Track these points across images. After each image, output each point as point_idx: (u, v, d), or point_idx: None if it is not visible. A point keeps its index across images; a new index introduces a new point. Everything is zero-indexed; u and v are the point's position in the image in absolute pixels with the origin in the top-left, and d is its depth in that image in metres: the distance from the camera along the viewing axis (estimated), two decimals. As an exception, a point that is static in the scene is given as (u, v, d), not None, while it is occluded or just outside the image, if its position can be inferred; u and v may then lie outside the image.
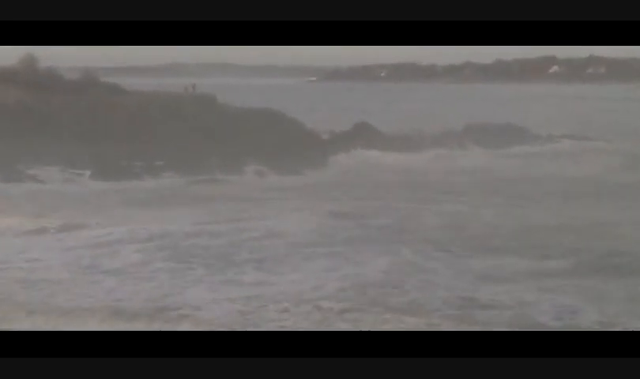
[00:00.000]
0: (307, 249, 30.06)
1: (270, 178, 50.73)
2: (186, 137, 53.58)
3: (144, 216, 37.55)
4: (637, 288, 24.74)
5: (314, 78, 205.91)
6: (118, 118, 54.17)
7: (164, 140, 52.67)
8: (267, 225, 34.47)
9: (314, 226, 33.91)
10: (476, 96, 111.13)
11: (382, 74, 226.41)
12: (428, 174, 49.60)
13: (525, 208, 38.22)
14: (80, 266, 27.83)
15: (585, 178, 47.50)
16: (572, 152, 61.15)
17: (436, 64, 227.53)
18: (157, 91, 56.93)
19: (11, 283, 25.14)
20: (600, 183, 45.63)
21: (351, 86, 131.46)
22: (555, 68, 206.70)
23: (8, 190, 43.75)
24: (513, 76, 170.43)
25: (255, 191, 45.52)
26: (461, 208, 38.33)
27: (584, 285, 25.06)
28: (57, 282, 25.53)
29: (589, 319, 21.79)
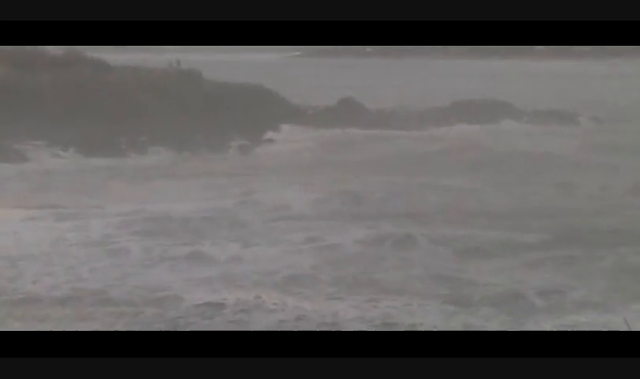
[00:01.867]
0: (287, 222, 30.43)
1: (255, 153, 50.71)
2: (172, 113, 53.48)
3: (130, 193, 37.59)
4: (624, 259, 25.06)
5: (298, 53, 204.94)
6: (104, 94, 54.00)
7: (150, 117, 52.57)
8: (252, 199, 34.81)
9: (298, 200, 34.17)
10: (461, 72, 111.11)
11: (368, 50, 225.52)
12: (414, 150, 49.65)
13: (511, 184, 38.39)
14: (50, 242, 27.82)
15: (568, 154, 47.64)
16: (556, 128, 61.31)
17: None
18: (142, 66, 56.64)
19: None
20: (583, 159, 45.77)
21: (336, 62, 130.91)
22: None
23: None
24: (499, 53, 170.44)
25: (240, 166, 45.56)
26: (448, 184, 38.47)
27: (570, 260, 25.32)
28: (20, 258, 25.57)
29: (579, 294, 22.12)
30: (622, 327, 17.01)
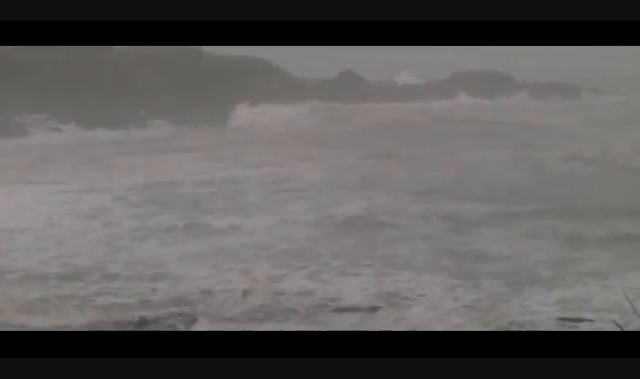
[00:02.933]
0: (288, 193, 30.60)
1: (255, 125, 50.67)
2: (171, 87, 53.44)
3: (130, 166, 37.63)
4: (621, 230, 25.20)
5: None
6: (101, 68, 53.95)
7: (149, 91, 52.52)
8: (252, 171, 34.98)
9: (294, 171, 34.40)
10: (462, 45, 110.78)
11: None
12: (414, 122, 49.63)
13: (508, 157, 38.43)
14: (49, 215, 27.87)
15: (568, 127, 47.66)
16: (555, 102, 61.35)
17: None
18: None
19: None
20: (580, 132, 45.79)
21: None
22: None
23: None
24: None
25: (240, 139, 45.56)
26: (449, 156, 38.49)
27: (572, 231, 25.40)
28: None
29: (581, 264, 22.23)
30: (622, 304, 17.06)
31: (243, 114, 52.52)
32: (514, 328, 18.01)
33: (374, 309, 19.50)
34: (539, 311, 19.23)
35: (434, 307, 19.30)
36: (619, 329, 15.53)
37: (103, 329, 17.80)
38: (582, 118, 51.39)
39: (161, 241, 24.93)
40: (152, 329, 17.97)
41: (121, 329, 18.14)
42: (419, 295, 20.01)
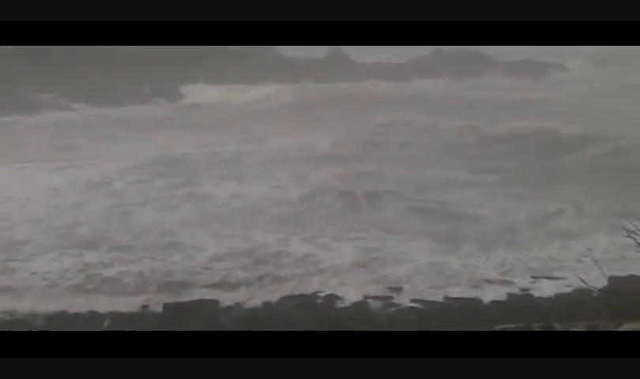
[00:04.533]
0: (280, 163, 30.77)
1: (251, 103, 50.61)
2: (172, 66, 53.36)
3: (135, 140, 37.71)
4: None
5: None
6: (105, 48, 53.71)
7: (151, 69, 52.42)
8: (250, 146, 35.17)
9: (288, 143, 34.62)
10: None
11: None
12: (397, 98, 49.59)
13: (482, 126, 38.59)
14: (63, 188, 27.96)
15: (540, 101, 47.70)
16: (528, 78, 61.41)
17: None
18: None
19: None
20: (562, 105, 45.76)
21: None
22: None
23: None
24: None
25: (238, 115, 45.58)
26: (431, 123, 38.64)
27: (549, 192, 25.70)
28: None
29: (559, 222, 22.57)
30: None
31: (239, 92, 52.42)
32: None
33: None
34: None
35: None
36: (585, 286, 15.67)
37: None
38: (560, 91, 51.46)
39: (170, 206, 25.28)
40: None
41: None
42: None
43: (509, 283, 18.77)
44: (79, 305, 17.71)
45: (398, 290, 18.31)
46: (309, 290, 18.33)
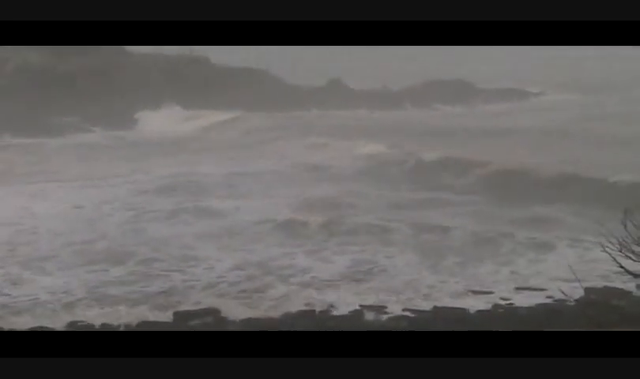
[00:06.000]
0: (277, 177, 32.11)
1: (255, 125, 50.54)
2: (184, 93, 53.48)
3: (152, 161, 37.86)
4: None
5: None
6: (124, 76, 54.00)
7: (165, 97, 52.58)
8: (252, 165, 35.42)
9: (285, 163, 34.88)
10: (430, 55, 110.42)
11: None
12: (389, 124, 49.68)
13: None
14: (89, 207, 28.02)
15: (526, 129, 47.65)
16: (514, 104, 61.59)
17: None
18: (158, 53, 56.46)
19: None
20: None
21: (328, 47, 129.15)
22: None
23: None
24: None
25: (246, 138, 45.63)
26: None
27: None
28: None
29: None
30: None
31: (246, 117, 52.53)
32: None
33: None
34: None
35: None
36: (565, 297, 15.62)
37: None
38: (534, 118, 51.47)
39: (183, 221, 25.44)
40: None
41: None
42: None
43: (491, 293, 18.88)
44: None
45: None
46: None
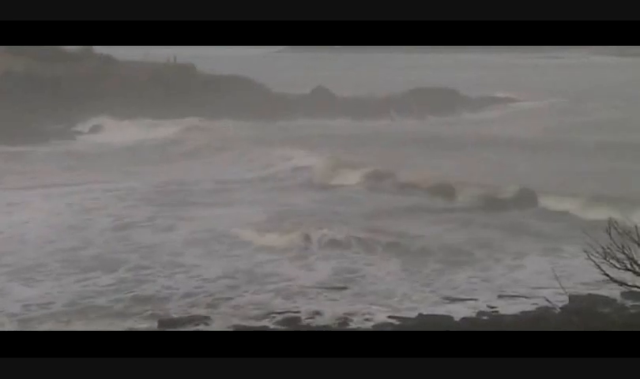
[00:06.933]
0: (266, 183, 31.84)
1: (240, 133, 50.36)
2: (169, 100, 53.30)
3: (139, 167, 37.61)
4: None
5: (277, 50, 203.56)
6: (111, 83, 53.78)
7: (150, 103, 52.33)
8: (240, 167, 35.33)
9: (271, 169, 34.99)
10: (416, 64, 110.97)
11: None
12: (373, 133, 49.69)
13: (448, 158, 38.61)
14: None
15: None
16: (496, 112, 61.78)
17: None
18: (144, 61, 56.23)
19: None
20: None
21: (309, 55, 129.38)
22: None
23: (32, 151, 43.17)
24: (449, 47, 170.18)
25: (236, 137, 45.44)
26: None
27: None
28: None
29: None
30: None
31: (232, 125, 52.36)
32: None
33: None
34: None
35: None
36: (549, 305, 15.56)
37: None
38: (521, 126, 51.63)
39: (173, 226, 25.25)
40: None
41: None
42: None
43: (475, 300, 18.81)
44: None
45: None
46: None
